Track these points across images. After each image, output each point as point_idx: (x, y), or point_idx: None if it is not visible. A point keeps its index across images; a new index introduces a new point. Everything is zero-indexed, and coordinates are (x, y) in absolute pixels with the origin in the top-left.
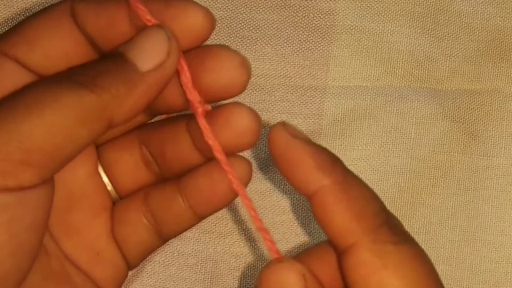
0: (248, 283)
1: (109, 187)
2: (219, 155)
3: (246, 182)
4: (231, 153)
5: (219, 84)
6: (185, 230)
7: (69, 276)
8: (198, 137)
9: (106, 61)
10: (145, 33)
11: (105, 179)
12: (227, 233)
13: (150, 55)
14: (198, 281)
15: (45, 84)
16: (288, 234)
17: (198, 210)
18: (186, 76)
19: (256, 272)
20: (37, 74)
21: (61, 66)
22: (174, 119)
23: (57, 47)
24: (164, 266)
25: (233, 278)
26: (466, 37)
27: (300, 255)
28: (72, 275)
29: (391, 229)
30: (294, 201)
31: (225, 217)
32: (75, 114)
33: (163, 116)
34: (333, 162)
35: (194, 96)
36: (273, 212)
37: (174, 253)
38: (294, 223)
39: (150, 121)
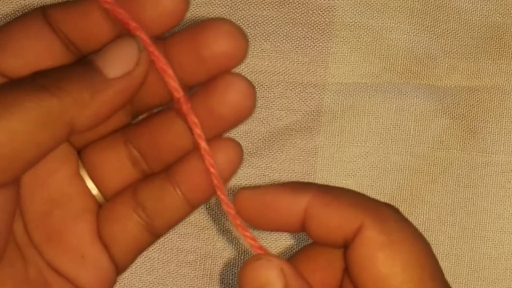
0: None
1: (94, 191)
2: (202, 142)
3: (236, 166)
4: (228, 128)
5: (218, 53)
6: (177, 222)
7: (47, 284)
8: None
9: (72, 66)
10: (116, 42)
11: (90, 183)
12: (226, 230)
13: (118, 63)
14: (197, 278)
15: (6, 88)
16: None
17: (191, 196)
18: (164, 65)
19: None
20: (9, 77)
21: (34, 68)
22: (162, 109)
23: (29, 49)
24: (163, 263)
25: (232, 274)
26: (465, 34)
27: (290, 259)
28: (52, 284)
29: (388, 208)
30: None
31: (224, 214)
32: (35, 117)
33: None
34: (305, 183)
35: (175, 86)
36: None
37: (173, 249)
38: None
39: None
